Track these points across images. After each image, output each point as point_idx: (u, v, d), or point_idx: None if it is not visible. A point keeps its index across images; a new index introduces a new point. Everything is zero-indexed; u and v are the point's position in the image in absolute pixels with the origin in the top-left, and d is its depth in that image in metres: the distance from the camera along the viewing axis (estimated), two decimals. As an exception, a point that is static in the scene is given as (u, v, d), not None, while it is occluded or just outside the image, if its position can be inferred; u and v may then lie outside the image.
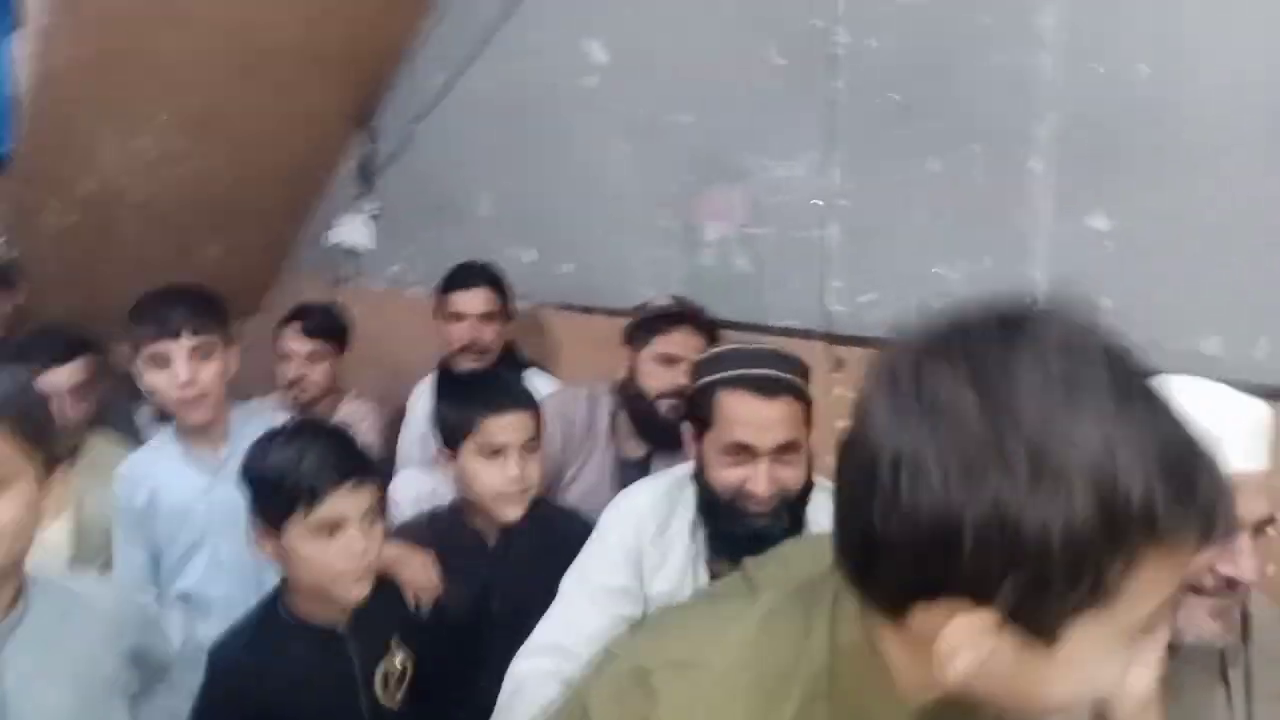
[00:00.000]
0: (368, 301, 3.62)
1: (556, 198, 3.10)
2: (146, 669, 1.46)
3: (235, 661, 1.61)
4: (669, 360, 2.33)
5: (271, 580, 1.71)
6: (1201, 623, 1.13)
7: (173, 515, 2.03)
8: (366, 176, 3.76)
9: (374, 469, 1.66)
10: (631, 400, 2.39)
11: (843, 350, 2.42)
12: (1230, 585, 1.11)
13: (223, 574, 2.02)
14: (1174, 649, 1.10)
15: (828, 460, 0.75)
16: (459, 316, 2.85)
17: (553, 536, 1.96)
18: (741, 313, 2.65)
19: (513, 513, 1.91)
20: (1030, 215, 2.08)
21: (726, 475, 1.63)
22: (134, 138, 3.19)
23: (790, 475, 1.63)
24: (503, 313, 2.89)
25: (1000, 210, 2.13)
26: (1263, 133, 1.83)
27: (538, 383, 2.61)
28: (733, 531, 1.63)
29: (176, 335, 1.95)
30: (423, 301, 3.65)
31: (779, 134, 2.55)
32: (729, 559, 1.62)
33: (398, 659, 1.72)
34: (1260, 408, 1.16)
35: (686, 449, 1.76)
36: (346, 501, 1.58)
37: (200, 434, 2.05)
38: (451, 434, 1.95)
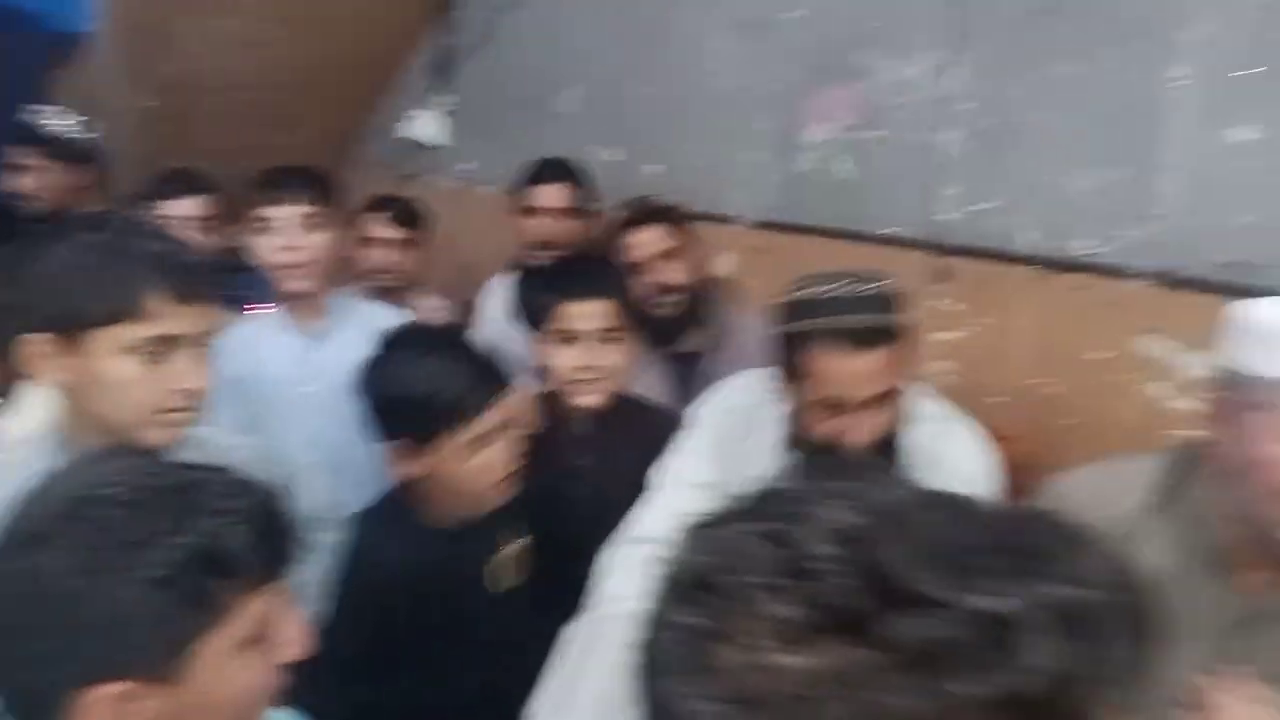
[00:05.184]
0: (436, 197, 3.55)
1: (648, 97, 3.00)
2: None
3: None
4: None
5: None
6: None
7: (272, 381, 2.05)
8: (441, 69, 3.67)
9: (507, 374, 1.63)
10: None
11: (951, 261, 2.35)
12: None
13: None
14: None
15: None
16: (536, 211, 2.78)
17: (641, 428, 1.93)
18: (840, 219, 2.58)
19: (586, 399, 1.89)
20: (1168, 125, 1.99)
21: (822, 427, 1.54)
22: (214, 18, 3.12)
23: (886, 418, 1.53)
24: (582, 211, 2.83)
25: (1135, 119, 2.04)
26: None
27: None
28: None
29: (283, 202, 2.02)
30: (494, 198, 3.56)
31: (898, 32, 2.44)
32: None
33: (510, 547, 1.71)
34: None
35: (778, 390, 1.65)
36: (495, 414, 1.56)
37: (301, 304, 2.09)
38: (534, 321, 1.95)
